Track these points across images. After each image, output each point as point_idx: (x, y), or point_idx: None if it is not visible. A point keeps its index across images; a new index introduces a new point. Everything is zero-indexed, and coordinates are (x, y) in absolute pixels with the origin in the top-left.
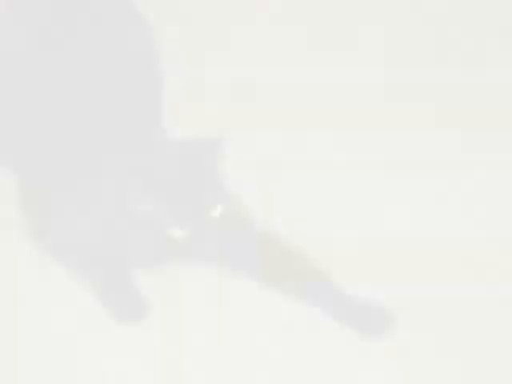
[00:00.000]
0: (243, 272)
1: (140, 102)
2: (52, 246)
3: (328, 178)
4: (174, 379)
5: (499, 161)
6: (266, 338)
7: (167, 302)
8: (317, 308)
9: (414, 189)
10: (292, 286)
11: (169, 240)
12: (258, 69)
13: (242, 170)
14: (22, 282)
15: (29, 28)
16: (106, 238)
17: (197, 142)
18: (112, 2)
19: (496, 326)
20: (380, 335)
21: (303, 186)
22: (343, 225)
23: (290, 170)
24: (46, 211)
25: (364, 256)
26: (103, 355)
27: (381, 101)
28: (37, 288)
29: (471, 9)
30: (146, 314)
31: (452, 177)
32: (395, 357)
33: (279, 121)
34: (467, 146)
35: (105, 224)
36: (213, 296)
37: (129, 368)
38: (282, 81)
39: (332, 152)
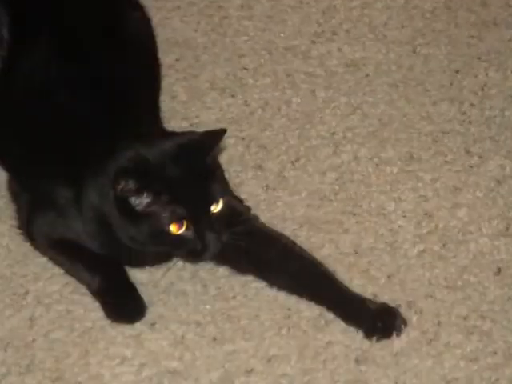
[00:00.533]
0: (244, 269)
1: (136, 93)
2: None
3: (333, 175)
4: (172, 380)
5: None
6: (268, 337)
7: (166, 302)
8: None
9: None
10: (295, 284)
11: (168, 236)
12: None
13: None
14: (16, 279)
15: None
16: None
17: (195, 136)
18: None
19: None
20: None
21: (307, 180)
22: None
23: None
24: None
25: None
26: (98, 356)
27: None
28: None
29: None
30: (143, 314)
31: None
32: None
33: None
34: None
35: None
36: (214, 294)
37: (125, 369)
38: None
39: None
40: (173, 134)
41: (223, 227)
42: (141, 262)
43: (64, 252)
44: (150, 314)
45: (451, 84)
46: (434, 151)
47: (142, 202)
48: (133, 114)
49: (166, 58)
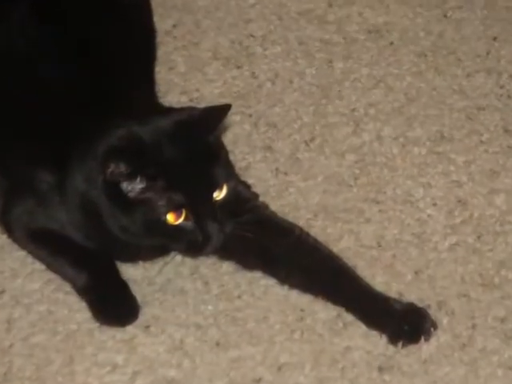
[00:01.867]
0: (252, 264)
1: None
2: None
3: (353, 157)
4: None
5: None
6: (278, 342)
7: (162, 301)
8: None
9: None
10: (309, 281)
11: (165, 227)
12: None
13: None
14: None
15: None
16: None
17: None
18: None
19: None
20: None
21: (323, 163)
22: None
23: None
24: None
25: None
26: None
27: None
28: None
29: None
30: (136, 315)
31: None
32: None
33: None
34: None
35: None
36: (216, 293)
37: (116, 378)
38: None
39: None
40: (170, 110)
41: (227, 216)
42: (134, 257)
43: (46, 245)
44: (144, 316)
45: (487, 53)
46: (468, 130)
47: (134, 187)
48: (124, 88)
49: (162, 23)
